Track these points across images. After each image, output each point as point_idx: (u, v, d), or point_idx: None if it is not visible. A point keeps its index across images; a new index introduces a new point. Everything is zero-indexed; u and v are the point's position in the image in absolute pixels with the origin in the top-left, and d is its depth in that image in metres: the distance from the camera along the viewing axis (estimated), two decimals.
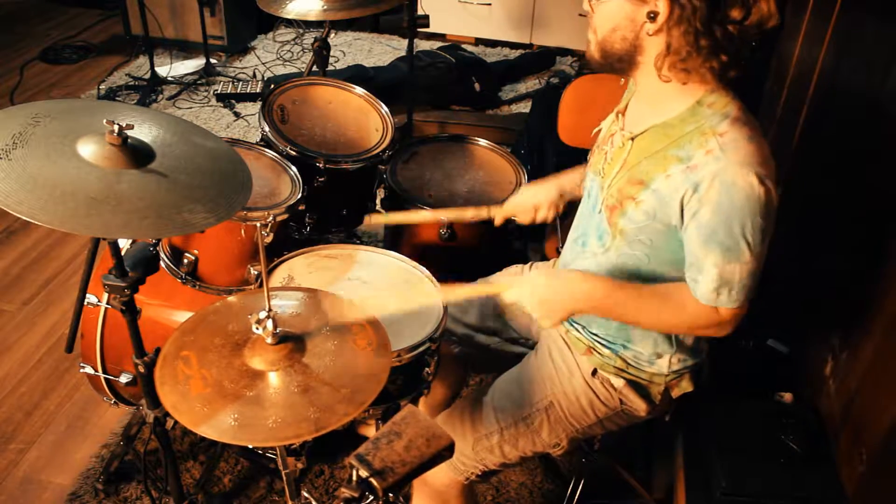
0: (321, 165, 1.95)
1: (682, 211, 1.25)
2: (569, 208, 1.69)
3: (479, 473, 1.54)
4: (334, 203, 2.10)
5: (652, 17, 1.19)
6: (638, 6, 1.20)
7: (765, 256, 1.25)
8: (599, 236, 1.41)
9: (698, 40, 1.18)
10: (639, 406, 1.48)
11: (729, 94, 1.26)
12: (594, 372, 1.48)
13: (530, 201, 1.69)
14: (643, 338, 1.43)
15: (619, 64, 1.29)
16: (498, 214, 1.75)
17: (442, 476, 1.55)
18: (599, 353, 1.47)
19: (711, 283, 1.26)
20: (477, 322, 1.73)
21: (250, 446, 1.98)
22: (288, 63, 4.32)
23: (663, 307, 1.34)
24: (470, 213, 1.79)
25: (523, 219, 1.72)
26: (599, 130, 1.49)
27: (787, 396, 1.74)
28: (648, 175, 1.28)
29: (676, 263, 1.32)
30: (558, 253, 1.61)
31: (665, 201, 1.26)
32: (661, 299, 1.34)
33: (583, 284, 1.35)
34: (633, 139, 1.34)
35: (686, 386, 1.48)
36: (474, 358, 1.77)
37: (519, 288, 1.39)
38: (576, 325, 1.50)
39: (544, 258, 2.09)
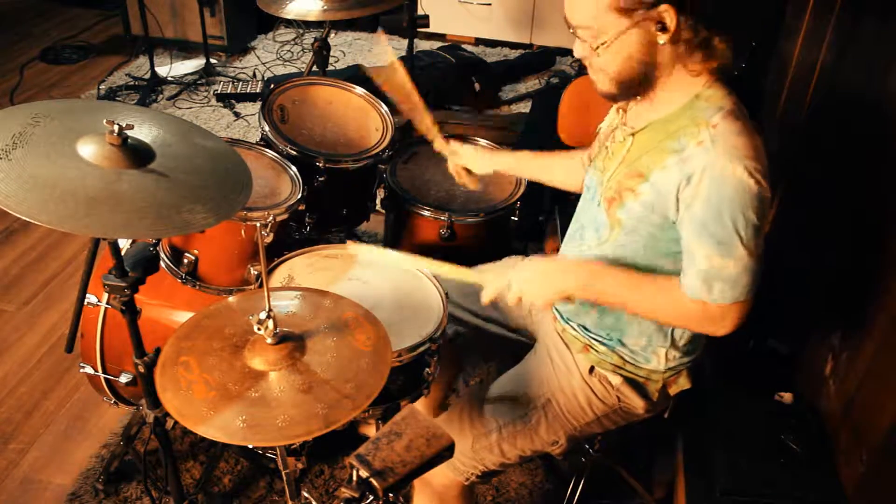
0: (321, 165, 1.95)
1: (677, 202, 1.25)
2: (566, 205, 1.71)
3: (479, 474, 1.54)
4: (334, 203, 2.10)
5: (661, 28, 1.20)
6: (646, 26, 1.20)
7: (761, 253, 1.24)
8: (597, 229, 1.43)
9: (698, 33, 1.21)
10: (636, 403, 1.48)
11: (725, 89, 1.27)
12: (591, 369, 1.48)
13: (468, 162, 1.76)
14: (638, 335, 1.43)
15: (639, 87, 1.30)
16: (450, 157, 1.79)
17: (441, 476, 1.55)
18: (596, 351, 1.47)
19: (701, 276, 1.26)
20: (477, 308, 1.73)
21: (250, 446, 1.98)
22: (288, 63, 4.32)
23: (655, 295, 1.33)
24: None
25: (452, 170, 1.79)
26: (599, 130, 1.50)
27: (787, 396, 1.74)
28: (648, 168, 1.29)
29: (672, 256, 1.33)
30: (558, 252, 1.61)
31: (662, 194, 1.27)
32: (653, 287, 1.34)
33: (570, 264, 1.39)
34: (633, 135, 1.35)
35: (683, 383, 1.48)
36: (470, 339, 1.77)
37: (500, 277, 1.39)
38: (571, 322, 1.51)
39: None
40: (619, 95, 1.32)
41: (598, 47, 1.24)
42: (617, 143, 1.39)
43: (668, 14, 1.18)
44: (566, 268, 1.39)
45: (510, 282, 1.38)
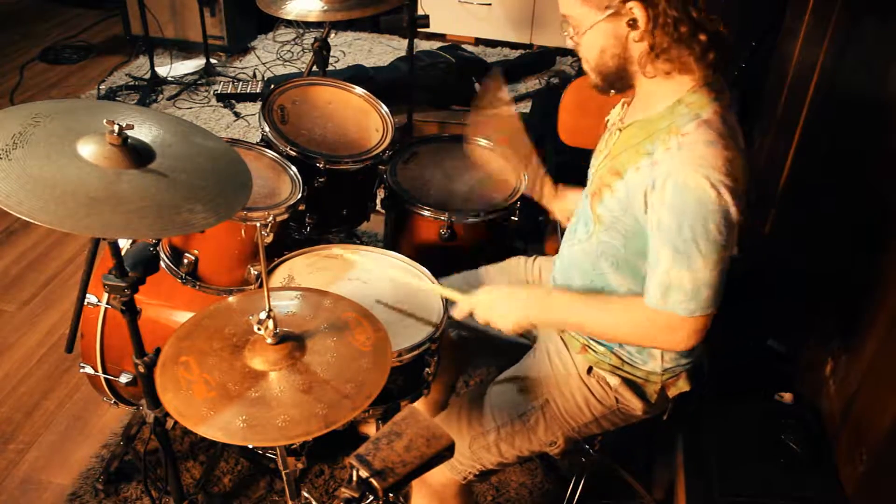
0: (321, 166, 1.95)
1: (645, 205, 1.25)
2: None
3: (477, 473, 1.54)
4: (334, 203, 2.10)
5: (632, 24, 1.20)
6: (616, 21, 1.22)
7: (723, 268, 1.22)
8: (585, 223, 1.44)
9: (678, 28, 1.18)
10: (635, 405, 1.48)
11: (711, 95, 1.24)
12: (589, 370, 1.48)
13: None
14: None
15: (620, 81, 1.31)
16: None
17: (439, 475, 1.55)
18: (594, 351, 1.47)
19: (659, 284, 1.25)
20: None
21: (250, 446, 1.98)
22: (288, 63, 4.33)
23: (611, 311, 1.35)
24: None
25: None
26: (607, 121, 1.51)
27: (787, 396, 1.74)
28: (623, 166, 1.30)
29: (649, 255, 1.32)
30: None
31: (632, 194, 1.27)
32: (609, 304, 1.37)
33: (529, 294, 1.44)
34: (621, 130, 1.36)
35: (682, 385, 1.48)
36: (472, 343, 1.77)
37: (470, 301, 1.45)
38: None
39: None
40: (604, 87, 1.33)
41: (574, 37, 1.28)
42: (608, 137, 1.40)
43: (638, 10, 1.18)
44: (525, 299, 1.43)
45: (476, 306, 1.44)
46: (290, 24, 4.66)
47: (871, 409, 1.50)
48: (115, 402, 1.91)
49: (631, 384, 1.47)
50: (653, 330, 1.30)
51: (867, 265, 1.63)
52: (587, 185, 1.48)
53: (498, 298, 1.43)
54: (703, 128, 1.20)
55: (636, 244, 1.33)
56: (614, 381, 1.46)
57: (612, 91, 1.35)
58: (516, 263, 1.76)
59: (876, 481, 1.43)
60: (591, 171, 1.46)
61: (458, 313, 1.48)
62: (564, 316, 1.41)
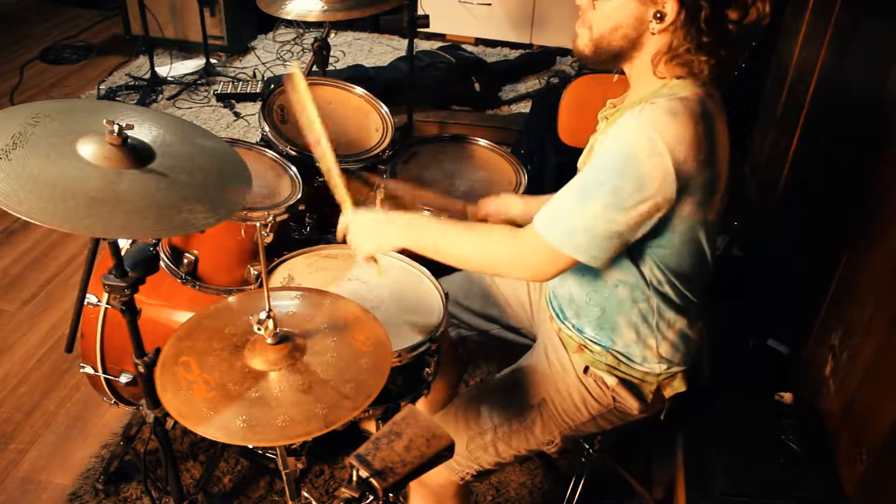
0: (321, 165, 1.95)
1: None
2: None
3: (475, 473, 1.54)
4: (334, 203, 2.10)
5: (659, 17, 1.19)
6: (645, 6, 1.20)
7: (614, 229, 1.21)
8: None
9: (700, 38, 1.18)
10: (631, 405, 1.48)
11: (696, 83, 1.23)
12: (586, 369, 1.48)
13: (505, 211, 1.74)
14: (626, 326, 1.42)
15: (613, 61, 1.29)
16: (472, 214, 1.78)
17: (437, 476, 1.55)
18: (591, 351, 1.47)
19: (552, 209, 1.25)
20: (479, 308, 1.74)
21: (250, 446, 1.98)
22: (288, 63, 4.33)
23: (489, 233, 1.35)
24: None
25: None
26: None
27: (787, 396, 1.74)
28: (595, 140, 1.31)
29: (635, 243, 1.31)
30: None
31: None
32: (475, 229, 1.36)
33: (394, 215, 1.44)
34: (608, 118, 1.37)
35: (678, 386, 1.48)
36: (473, 343, 1.77)
37: (348, 218, 1.49)
38: (567, 322, 1.51)
39: None
40: (591, 59, 1.30)
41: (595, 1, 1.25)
42: (597, 132, 1.41)
43: (672, 7, 1.18)
44: (389, 219, 1.43)
45: (350, 224, 1.47)
46: (290, 24, 4.66)
47: (871, 409, 1.50)
48: (115, 402, 1.91)
49: (627, 384, 1.47)
50: (522, 249, 1.30)
51: (867, 265, 1.63)
52: None
53: (370, 220, 1.45)
54: (674, 102, 1.19)
55: None
56: (611, 380, 1.46)
57: (592, 66, 1.33)
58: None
59: (876, 481, 1.43)
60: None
61: (338, 232, 1.51)
62: (434, 236, 1.39)
